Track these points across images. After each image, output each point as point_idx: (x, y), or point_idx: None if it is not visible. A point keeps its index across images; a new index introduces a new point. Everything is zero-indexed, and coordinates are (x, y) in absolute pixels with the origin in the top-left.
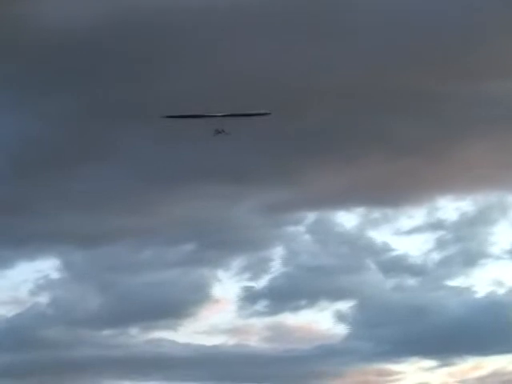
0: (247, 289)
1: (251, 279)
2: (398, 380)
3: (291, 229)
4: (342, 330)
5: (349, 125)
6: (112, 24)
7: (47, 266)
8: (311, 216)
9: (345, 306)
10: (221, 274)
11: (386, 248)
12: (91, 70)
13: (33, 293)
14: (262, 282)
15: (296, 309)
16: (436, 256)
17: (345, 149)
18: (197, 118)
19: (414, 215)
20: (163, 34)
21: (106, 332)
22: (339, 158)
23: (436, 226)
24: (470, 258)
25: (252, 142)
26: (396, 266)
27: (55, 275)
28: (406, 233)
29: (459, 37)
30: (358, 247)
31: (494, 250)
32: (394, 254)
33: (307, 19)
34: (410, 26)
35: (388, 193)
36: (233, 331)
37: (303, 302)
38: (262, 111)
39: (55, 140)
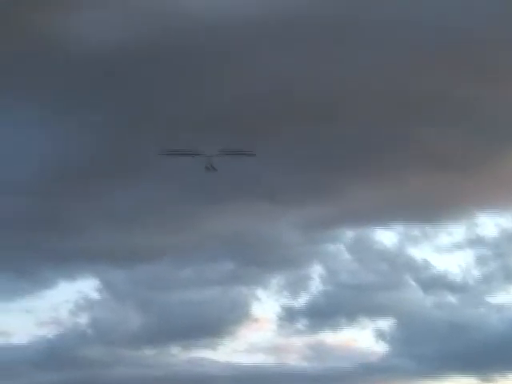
0: (287, 307)
1: (290, 297)
2: None
3: (330, 246)
4: (382, 347)
5: (387, 140)
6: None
7: (87, 286)
8: (350, 233)
9: (385, 323)
10: (260, 292)
11: (426, 265)
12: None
13: (73, 313)
14: (301, 301)
15: (336, 327)
16: (476, 273)
17: (383, 165)
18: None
19: (454, 232)
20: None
21: (146, 351)
22: (377, 175)
23: (476, 242)
24: (511, 274)
25: (289, 160)
26: (436, 283)
27: (95, 295)
28: (445, 250)
29: (499, 41)
30: (398, 264)
31: None
32: (434, 271)
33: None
34: (446, 31)
35: (427, 209)
36: (272, 350)
37: (343, 320)
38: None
39: (94, 156)
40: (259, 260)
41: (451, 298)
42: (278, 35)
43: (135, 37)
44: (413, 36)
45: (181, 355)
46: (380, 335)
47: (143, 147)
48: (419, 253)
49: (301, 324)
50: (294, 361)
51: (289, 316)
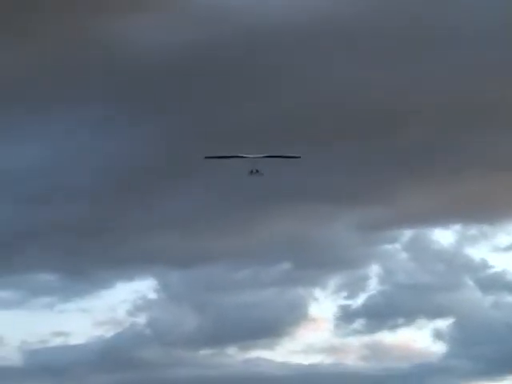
0: (344, 307)
1: (348, 298)
2: None
3: (388, 247)
4: (440, 348)
5: (444, 141)
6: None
7: (145, 287)
8: (407, 234)
9: (443, 324)
10: (317, 292)
11: (484, 265)
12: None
13: (130, 313)
14: (358, 301)
15: (393, 327)
16: None
17: (440, 165)
18: (234, 158)
19: None
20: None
21: (203, 352)
22: (435, 175)
23: None
24: None
25: (347, 161)
26: (494, 283)
27: (153, 296)
28: (504, 249)
29: None
30: (456, 264)
31: None
32: (493, 270)
33: (396, 35)
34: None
35: (485, 209)
36: (330, 350)
37: (401, 321)
38: (293, 155)
39: (150, 160)
40: (316, 261)
41: (510, 298)
42: (336, 46)
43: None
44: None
45: (237, 356)
46: (438, 335)
47: (195, 152)
48: (477, 252)
49: (358, 324)
50: (352, 361)
51: (346, 316)
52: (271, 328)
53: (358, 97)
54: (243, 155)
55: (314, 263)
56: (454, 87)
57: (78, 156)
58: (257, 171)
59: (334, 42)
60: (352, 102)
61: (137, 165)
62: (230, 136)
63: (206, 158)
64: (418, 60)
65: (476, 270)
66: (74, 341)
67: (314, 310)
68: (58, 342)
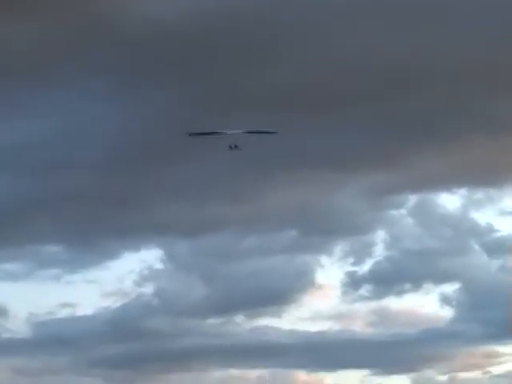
0: (351, 274)
1: (355, 264)
2: (505, 362)
3: (393, 212)
4: (447, 313)
5: (450, 105)
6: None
7: (151, 257)
8: (413, 199)
9: (450, 288)
10: (324, 259)
11: (490, 229)
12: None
13: (137, 284)
14: (365, 267)
15: (400, 293)
16: None
17: (446, 129)
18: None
19: None
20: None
21: (211, 321)
22: (440, 139)
23: None
24: None
25: (354, 127)
26: (501, 246)
27: (159, 266)
28: (510, 213)
29: None
30: (462, 229)
31: None
32: (499, 234)
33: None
34: None
35: (491, 173)
36: (337, 317)
37: (407, 286)
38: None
39: (155, 131)
40: (323, 228)
41: None
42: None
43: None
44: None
45: (245, 324)
46: (445, 300)
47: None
48: (483, 217)
49: (365, 290)
50: (359, 327)
51: (353, 283)
52: (278, 296)
53: (365, 60)
54: (222, 131)
55: (320, 230)
56: (465, 52)
57: (86, 128)
58: (235, 146)
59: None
60: (361, 65)
61: (145, 137)
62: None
63: (189, 134)
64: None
65: (482, 234)
66: (82, 312)
67: (320, 276)
68: (65, 313)
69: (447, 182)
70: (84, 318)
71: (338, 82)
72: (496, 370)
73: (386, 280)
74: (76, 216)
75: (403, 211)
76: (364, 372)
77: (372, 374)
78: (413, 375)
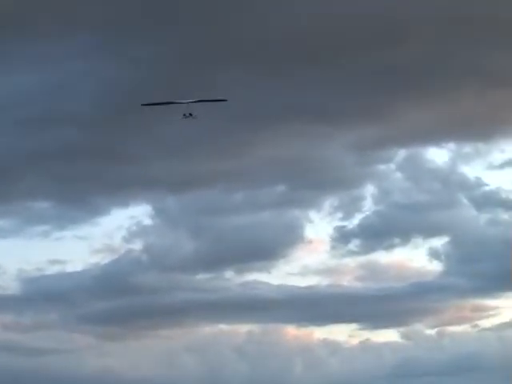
0: (339, 229)
1: (343, 219)
2: (493, 315)
3: (382, 167)
4: (436, 266)
5: (439, 59)
6: None
7: (140, 213)
8: (402, 153)
9: (438, 242)
10: (313, 214)
11: (479, 183)
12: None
13: (126, 240)
14: (354, 222)
15: (389, 247)
16: None
17: (435, 83)
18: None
19: (507, 149)
20: None
21: (201, 276)
22: (428, 93)
23: None
24: None
25: (342, 82)
26: (489, 200)
27: (148, 221)
28: (498, 167)
29: None
30: (450, 183)
31: None
32: (487, 188)
33: None
34: None
35: (479, 127)
36: (326, 271)
37: (396, 240)
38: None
39: (145, 85)
40: (311, 182)
41: (504, 216)
42: None
43: None
44: None
45: (234, 279)
46: (434, 254)
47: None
48: (472, 171)
49: (354, 245)
50: (348, 282)
51: (342, 237)
52: (268, 251)
53: (352, 15)
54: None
55: (309, 185)
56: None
57: (74, 84)
58: (190, 115)
59: None
60: (348, 20)
61: (134, 87)
62: None
63: (142, 105)
64: None
65: (471, 188)
66: (71, 268)
67: (309, 231)
68: (54, 269)
69: (436, 136)
70: (73, 274)
71: (327, 36)
72: (484, 323)
73: (375, 234)
74: (65, 172)
75: (392, 166)
76: (353, 326)
77: (361, 329)
78: (402, 329)
